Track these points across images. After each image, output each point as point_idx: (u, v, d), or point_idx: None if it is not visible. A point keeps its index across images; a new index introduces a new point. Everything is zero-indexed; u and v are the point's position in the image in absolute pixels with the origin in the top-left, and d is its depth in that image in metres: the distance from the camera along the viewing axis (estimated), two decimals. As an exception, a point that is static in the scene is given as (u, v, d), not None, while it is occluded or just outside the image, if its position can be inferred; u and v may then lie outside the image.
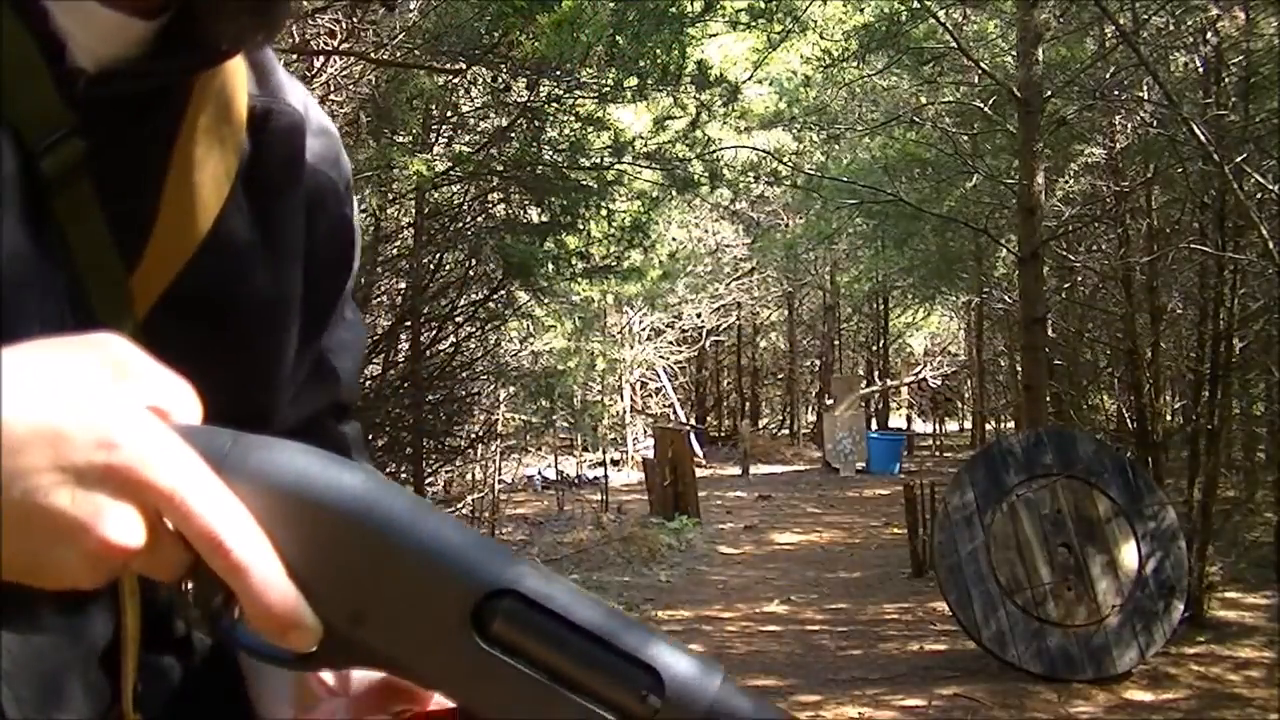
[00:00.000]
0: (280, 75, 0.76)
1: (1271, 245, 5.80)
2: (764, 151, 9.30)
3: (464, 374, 7.55)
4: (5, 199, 0.58)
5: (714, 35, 8.15)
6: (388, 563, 0.48)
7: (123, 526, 0.44)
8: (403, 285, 6.94)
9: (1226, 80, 7.05)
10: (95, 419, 0.44)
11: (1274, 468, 9.00)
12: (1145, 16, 7.11)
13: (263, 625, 0.47)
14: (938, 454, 20.36)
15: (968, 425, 23.23)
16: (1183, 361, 8.92)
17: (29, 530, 0.43)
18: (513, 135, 6.47)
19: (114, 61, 0.63)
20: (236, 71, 0.71)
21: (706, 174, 7.40)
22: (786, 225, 18.20)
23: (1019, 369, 10.24)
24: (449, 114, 6.58)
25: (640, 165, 7.16)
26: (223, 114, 0.69)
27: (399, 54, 5.48)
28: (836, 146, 12.63)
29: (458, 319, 7.25)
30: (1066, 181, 8.72)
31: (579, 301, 10.08)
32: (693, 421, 21.14)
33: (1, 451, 0.42)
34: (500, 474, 11.01)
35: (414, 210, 6.73)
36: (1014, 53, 8.27)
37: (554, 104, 6.42)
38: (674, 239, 15.55)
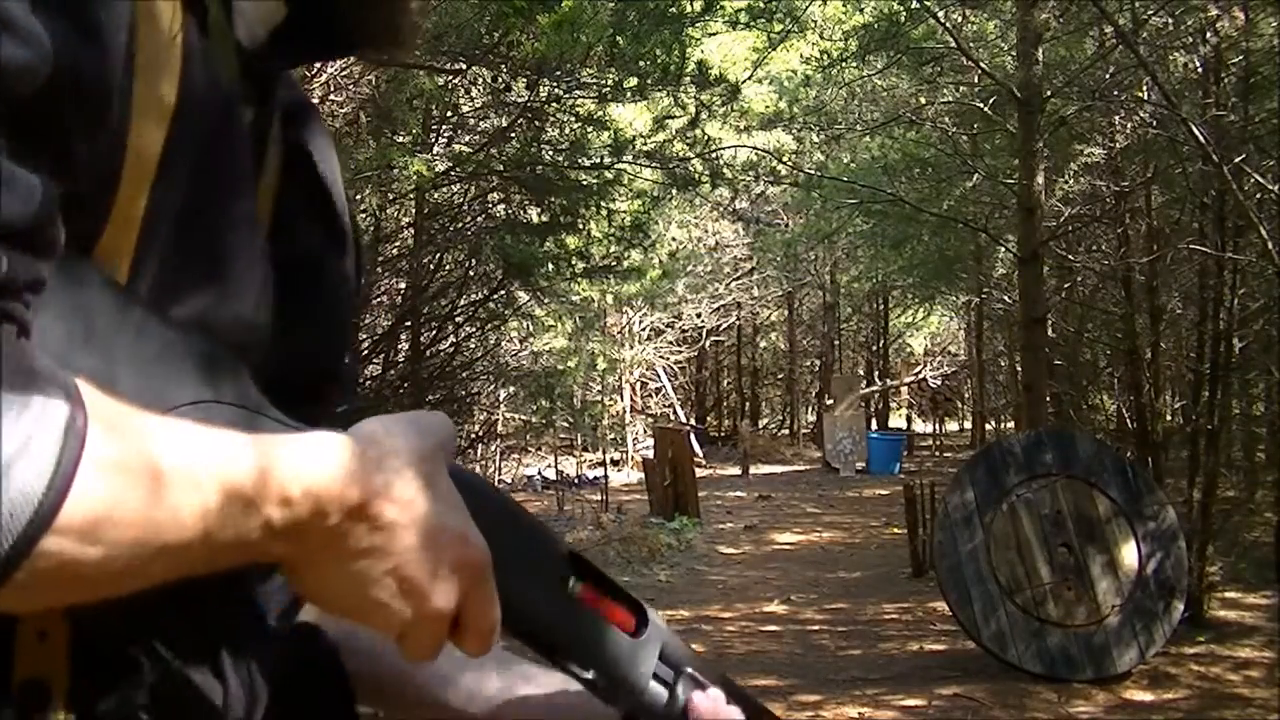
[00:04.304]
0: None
1: (1271, 245, 5.80)
2: (764, 151, 9.31)
3: (464, 374, 7.54)
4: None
5: (714, 35, 8.16)
6: (521, 541, 0.63)
7: (449, 597, 0.57)
8: (403, 285, 6.94)
9: (1226, 80, 7.05)
10: (456, 517, 0.58)
11: (1274, 468, 8.99)
12: (1145, 17, 7.11)
13: (475, 652, 0.60)
14: (938, 454, 20.37)
15: (968, 425, 23.24)
16: (1183, 361, 8.93)
17: (395, 587, 0.56)
18: (513, 135, 6.46)
19: (258, 42, 0.68)
20: None
21: (707, 173, 7.40)
22: (786, 225, 18.20)
23: (1019, 369, 10.25)
24: (449, 114, 6.58)
25: (640, 164, 7.16)
26: None
27: (399, 54, 5.48)
28: (836, 146, 12.64)
29: (458, 319, 7.25)
30: (1066, 181, 8.72)
31: (579, 301, 10.08)
32: (693, 421, 21.14)
33: (400, 524, 0.55)
34: (500, 474, 11.01)
35: (414, 210, 6.73)
36: (1014, 53, 8.27)
37: (554, 104, 6.42)
38: (674, 239, 15.55)
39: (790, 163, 10.60)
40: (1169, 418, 9.14)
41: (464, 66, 5.69)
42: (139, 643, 0.58)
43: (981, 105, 8.81)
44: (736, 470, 17.74)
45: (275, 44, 0.69)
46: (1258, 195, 6.70)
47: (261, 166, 0.69)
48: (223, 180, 0.62)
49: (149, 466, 0.47)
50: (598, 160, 6.79)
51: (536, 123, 6.52)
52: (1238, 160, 6.27)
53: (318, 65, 5.18)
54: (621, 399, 17.77)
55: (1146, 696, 5.60)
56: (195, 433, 0.50)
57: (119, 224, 0.56)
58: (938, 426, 22.81)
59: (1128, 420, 8.36)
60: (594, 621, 0.65)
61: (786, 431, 24.15)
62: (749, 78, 8.93)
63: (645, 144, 7.01)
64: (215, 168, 0.61)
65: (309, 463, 0.52)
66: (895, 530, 10.85)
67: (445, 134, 6.73)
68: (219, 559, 0.51)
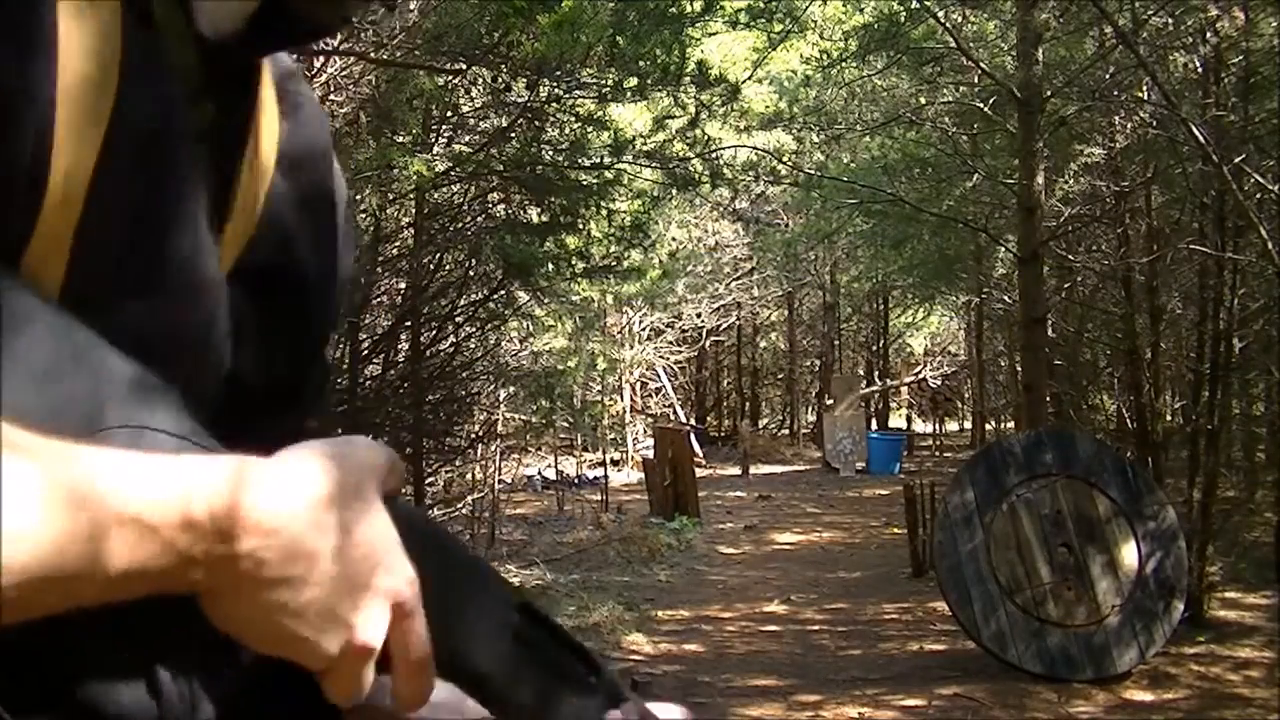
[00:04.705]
0: (294, 66, 0.77)
1: (1271, 245, 5.80)
2: (764, 151, 9.31)
3: (464, 374, 7.54)
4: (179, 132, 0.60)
5: (714, 35, 8.16)
6: (461, 581, 0.61)
7: (375, 631, 0.54)
8: (403, 285, 6.94)
9: (1226, 80, 7.05)
10: (384, 546, 0.55)
11: (1274, 468, 8.99)
12: (1145, 17, 7.10)
13: (409, 702, 0.57)
14: (938, 454, 20.36)
15: (968, 425, 23.24)
16: (1183, 361, 8.93)
17: (317, 619, 0.52)
18: (513, 135, 6.46)
19: (224, 35, 0.65)
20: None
21: (707, 173, 7.40)
22: (786, 225, 18.20)
23: (1019, 369, 10.25)
24: (449, 114, 6.58)
25: (640, 164, 7.16)
26: (267, 98, 0.71)
27: (399, 54, 5.48)
28: (836, 146, 12.63)
29: (458, 319, 7.25)
30: (1066, 181, 8.71)
31: (579, 301, 10.08)
32: (693, 421, 21.14)
33: (321, 551, 0.52)
34: (500, 474, 11.01)
35: (414, 210, 6.73)
36: (1014, 53, 8.27)
37: (554, 104, 6.41)
38: (674, 239, 15.55)
39: (790, 163, 10.60)
40: (1169, 418, 9.14)
41: (464, 66, 5.69)
42: (61, 661, 0.54)
43: (981, 105, 8.81)
44: (736, 470, 17.74)
45: (249, 33, 0.66)
46: (1258, 195, 6.70)
47: (239, 164, 0.67)
48: (169, 190, 0.59)
49: (32, 490, 0.44)
50: (598, 160, 6.78)
51: (536, 123, 6.52)
52: (1238, 160, 6.27)
53: (318, 65, 5.18)
54: (621, 399, 17.76)
55: (1146, 696, 5.60)
56: (95, 455, 0.47)
57: (46, 241, 0.53)
58: (938, 426, 22.81)
59: (1128, 420, 8.36)
60: (538, 671, 0.62)
61: (786, 431, 24.14)
62: (749, 78, 8.93)
63: (645, 144, 7.00)
64: (161, 177, 0.59)
65: (222, 487, 0.49)
66: (895, 530, 10.84)
67: (445, 134, 6.73)
68: (122, 586, 0.47)
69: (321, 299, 0.75)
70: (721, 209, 12.64)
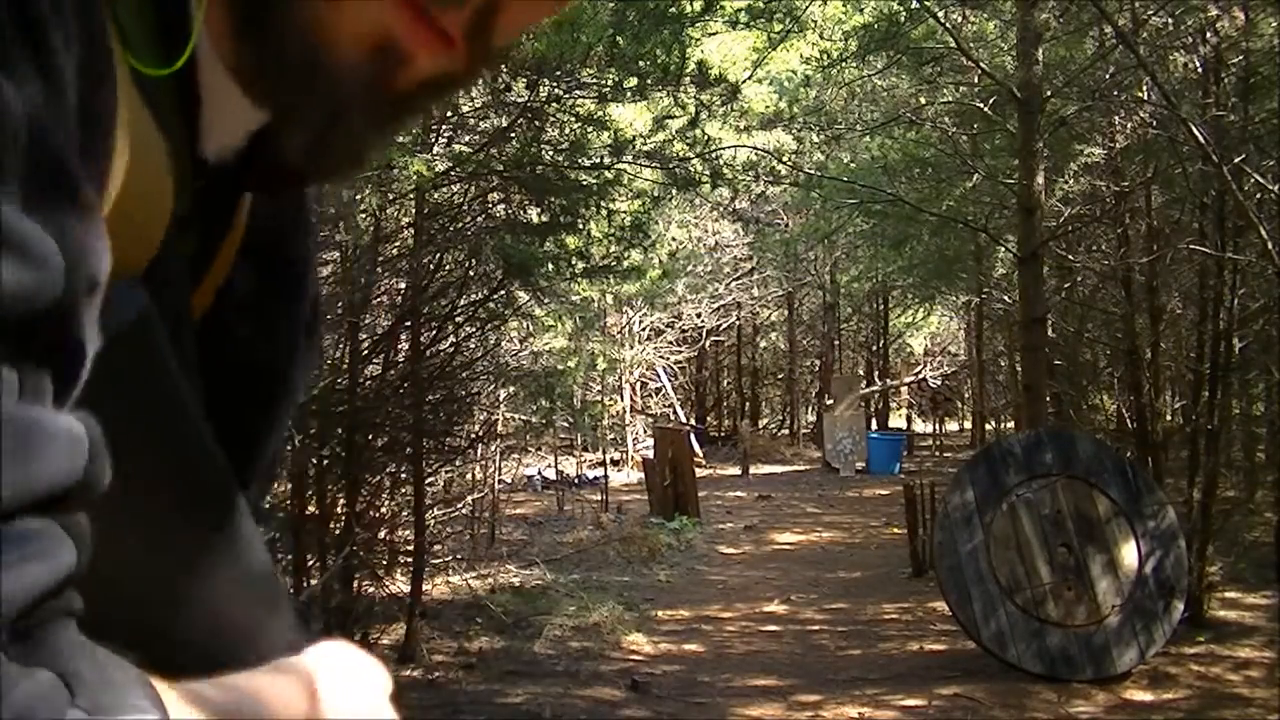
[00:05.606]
0: None
1: (1271, 245, 5.80)
2: (764, 151, 9.30)
3: (464, 374, 7.53)
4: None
5: (714, 35, 8.16)
6: None
7: None
8: (403, 285, 6.93)
9: (1226, 80, 7.05)
10: None
11: (1274, 468, 9.00)
12: (1145, 17, 7.11)
13: None
14: (938, 454, 20.36)
15: (968, 425, 23.24)
16: (1183, 361, 8.93)
17: None
18: (513, 135, 6.45)
19: (228, 154, 0.57)
20: None
21: (707, 173, 7.39)
22: (786, 225, 18.20)
23: (1019, 369, 10.25)
24: (449, 114, 6.57)
25: (640, 164, 7.15)
26: None
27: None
28: (836, 146, 12.64)
29: (458, 319, 7.23)
30: (1066, 181, 8.71)
31: (579, 301, 10.07)
32: (693, 421, 21.14)
33: None
34: (500, 474, 11.01)
35: (414, 210, 6.72)
36: (1014, 53, 8.27)
37: (554, 104, 6.41)
38: (674, 239, 15.54)
39: (790, 163, 10.59)
40: (1169, 418, 9.14)
41: (464, 66, 5.68)
42: None
43: (981, 105, 8.81)
44: (736, 470, 17.74)
45: (250, 159, 0.58)
46: (1258, 195, 6.70)
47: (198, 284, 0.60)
48: (182, 321, 0.54)
49: None
50: (598, 160, 6.78)
51: (536, 123, 6.51)
52: (1238, 160, 6.27)
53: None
54: (621, 399, 17.76)
55: (1146, 696, 5.60)
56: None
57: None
58: (938, 426, 22.80)
59: (1128, 420, 8.36)
60: None
61: (786, 431, 24.13)
62: (749, 78, 8.93)
63: (645, 144, 6.99)
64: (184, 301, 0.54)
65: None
66: (895, 530, 10.84)
67: (445, 134, 6.72)
68: None
69: (263, 392, 0.66)
70: (721, 209, 12.63)
